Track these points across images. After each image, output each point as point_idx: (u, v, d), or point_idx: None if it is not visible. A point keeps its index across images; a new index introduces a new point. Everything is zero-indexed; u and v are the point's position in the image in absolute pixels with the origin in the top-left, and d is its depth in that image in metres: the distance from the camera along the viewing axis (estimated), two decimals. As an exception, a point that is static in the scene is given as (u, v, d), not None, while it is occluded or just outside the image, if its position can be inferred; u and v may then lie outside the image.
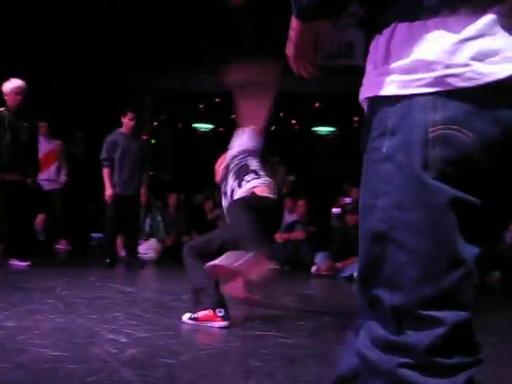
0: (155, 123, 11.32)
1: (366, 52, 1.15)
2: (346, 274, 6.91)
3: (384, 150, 1.02)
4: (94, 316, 3.54)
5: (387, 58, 1.05)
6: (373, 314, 1.05)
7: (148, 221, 7.68)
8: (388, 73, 1.03)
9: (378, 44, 1.08)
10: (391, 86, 1.02)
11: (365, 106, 1.14)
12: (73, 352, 2.70)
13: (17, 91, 5.84)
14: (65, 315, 3.52)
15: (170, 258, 7.50)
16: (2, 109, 5.87)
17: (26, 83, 5.91)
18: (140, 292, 4.75)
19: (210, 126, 12.05)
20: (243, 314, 3.96)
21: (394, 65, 1.03)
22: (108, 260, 6.48)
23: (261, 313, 4.13)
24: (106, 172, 6.52)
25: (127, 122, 6.65)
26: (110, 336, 3.04)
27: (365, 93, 1.11)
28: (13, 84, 5.84)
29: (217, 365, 2.64)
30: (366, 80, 1.12)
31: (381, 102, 1.04)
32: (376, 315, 1.04)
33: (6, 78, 5.97)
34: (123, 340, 2.98)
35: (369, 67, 1.11)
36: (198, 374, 2.49)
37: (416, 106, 0.99)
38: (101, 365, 2.50)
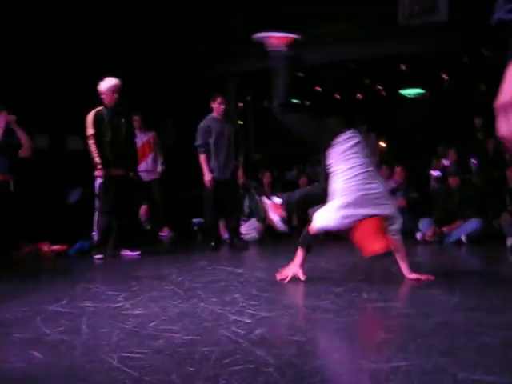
0: (241, 104, 11.37)
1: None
2: (453, 238, 6.71)
3: None
4: (214, 299, 3.62)
5: None
6: None
7: (246, 201, 7.76)
8: None
9: None
10: None
11: None
12: (203, 335, 2.77)
13: (113, 89, 6.04)
14: (186, 300, 3.63)
15: (271, 237, 7.58)
16: (100, 108, 6.09)
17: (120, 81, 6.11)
18: (251, 272, 4.82)
19: (296, 101, 11.96)
20: (358, 286, 3.93)
21: None
22: (213, 243, 6.64)
23: (375, 284, 4.09)
24: (203, 158, 6.66)
25: (217, 106, 6.74)
26: (235, 317, 3.10)
27: None
28: (109, 83, 6.04)
29: (346, 339, 2.63)
30: None
31: None
32: None
33: (93, 75, 6.18)
34: (248, 321, 3.03)
35: None
36: (330, 350, 2.50)
37: None
38: (233, 346, 2.56)
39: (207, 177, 6.62)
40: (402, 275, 4.36)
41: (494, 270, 4.79)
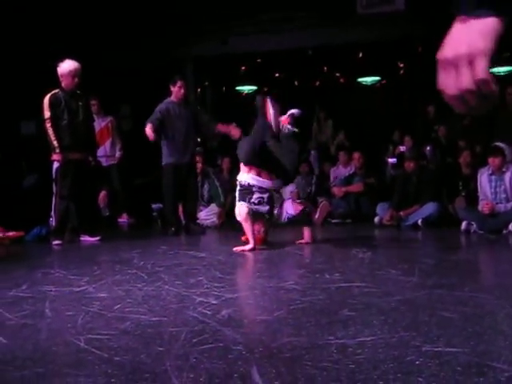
0: (199, 90, 11.31)
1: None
2: (410, 222, 6.87)
3: None
4: (179, 282, 3.62)
5: None
6: None
7: (206, 187, 7.75)
8: None
9: None
10: None
11: None
12: (171, 316, 2.78)
13: (73, 74, 5.91)
14: (150, 283, 3.62)
15: (230, 221, 7.59)
16: (56, 90, 5.96)
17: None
18: (214, 256, 4.83)
19: (254, 88, 11.97)
20: (321, 267, 4.00)
21: None
22: (173, 229, 6.61)
23: (337, 265, 4.17)
24: (148, 126, 6.31)
25: (177, 90, 6.65)
26: (201, 299, 3.11)
27: None
28: (70, 66, 5.90)
29: (312, 317, 2.68)
30: None
31: None
32: None
33: (52, 57, 6.03)
34: (214, 302, 3.05)
35: None
36: (297, 327, 2.54)
37: None
38: (201, 326, 2.57)
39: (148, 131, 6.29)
40: (362, 257, 4.47)
41: (450, 252, 4.95)
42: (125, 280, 3.79)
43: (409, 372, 1.92)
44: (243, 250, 4.90)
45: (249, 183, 5.01)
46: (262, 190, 5.02)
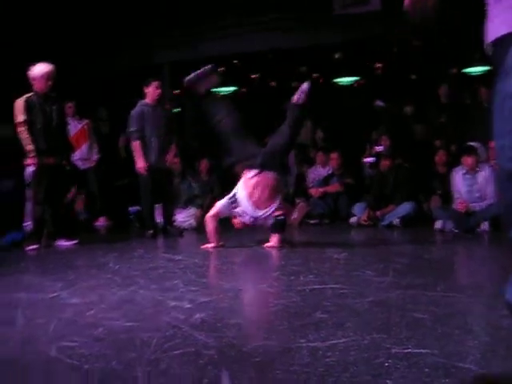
0: (177, 92, 11.27)
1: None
2: (386, 222, 6.92)
3: (506, 88, 1.01)
4: (154, 286, 3.61)
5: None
6: None
7: (184, 189, 7.72)
8: (503, 12, 1.01)
9: None
10: (506, 25, 1.00)
11: (490, 51, 1.10)
12: (144, 321, 2.77)
13: (47, 76, 5.84)
14: (125, 288, 3.59)
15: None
16: (30, 94, 5.89)
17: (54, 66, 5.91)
18: (190, 259, 4.80)
19: (232, 89, 11.97)
20: (296, 269, 4.01)
21: (507, 3, 1.00)
22: (151, 231, 6.57)
23: (312, 267, 4.18)
24: (136, 145, 6.54)
25: (152, 91, 6.62)
26: (175, 303, 3.10)
27: (487, 39, 1.08)
28: (42, 69, 5.83)
29: (285, 320, 2.69)
30: (487, 26, 1.09)
31: (501, 44, 1.03)
32: None
33: (25, 60, 5.96)
34: (188, 306, 3.04)
35: (490, 13, 1.08)
36: (269, 331, 2.54)
37: None
38: (174, 331, 2.57)
39: (140, 164, 6.50)
40: (338, 258, 4.50)
41: (425, 252, 4.99)
42: (99, 285, 3.76)
43: (378, 374, 1.94)
44: (207, 248, 5.26)
45: (239, 201, 5.15)
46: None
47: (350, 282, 3.54)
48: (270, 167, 5.14)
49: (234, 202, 5.18)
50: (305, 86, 5.34)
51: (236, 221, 5.43)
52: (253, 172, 5.14)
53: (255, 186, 5.12)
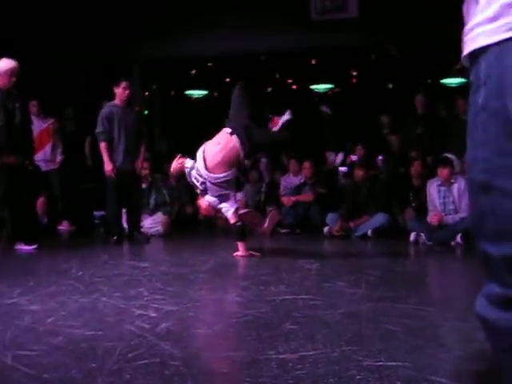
0: (146, 93, 11.22)
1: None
2: (360, 232, 6.96)
3: (479, 101, 1.03)
4: (118, 294, 3.57)
5: (476, 10, 1.05)
6: (487, 274, 1.05)
7: (153, 194, 7.66)
8: (478, 25, 1.04)
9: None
10: (480, 38, 1.03)
11: (466, 64, 1.13)
12: (106, 330, 2.73)
13: (10, 72, 5.74)
14: (87, 295, 3.55)
15: (176, 230, 7.55)
16: (-9, 90, 5.79)
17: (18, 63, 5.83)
18: (156, 266, 4.78)
19: (204, 92, 11.97)
20: (266, 279, 4.01)
21: (481, 16, 1.03)
22: (115, 237, 6.50)
23: (283, 277, 4.19)
24: (103, 146, 6.47)
25: (121, 92, 6.57)
26: (139, 312, 3.08)
27: (463, 51, 1.11)
28: (7, 65, 5.74)
29: (253, 331, 2.68)
30: (463, 38, 1.11)
31: (476, 57, 1.05)
32: (489, 273, 1.04)
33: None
34: (153, 315, 3.02)
35: (466, 26, 1.11)
36: (238, 341, 2.54)
37: (506, 51, 0.99)
38: (138, 340, 2.54)
39: (108, 167, 6.44)
40: (310, 268, 4.52)
41: (398, 264, 5.04)
42: (60, 291, 3.70)
43: (348, 387, 1.94)
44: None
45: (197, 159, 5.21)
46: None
47: (321, 293, 3.55)
48: (240, 136, 5.11)
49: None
50: (285, 117, 5.44)
51: (202, 204, 5.38)
52: (226, 129, 5.16)
53: (218, 142, 5.11)
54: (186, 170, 5.29)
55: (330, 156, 8.99)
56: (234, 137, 5.05)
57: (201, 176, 5.11)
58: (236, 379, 2.05)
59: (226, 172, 5.07)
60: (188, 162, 5.29)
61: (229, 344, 2.49)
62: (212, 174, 5.05)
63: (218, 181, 5.07)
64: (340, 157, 8.77)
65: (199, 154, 5.13)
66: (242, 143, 5.05)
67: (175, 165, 5.42)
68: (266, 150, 6.86)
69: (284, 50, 9.97)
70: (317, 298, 3.39)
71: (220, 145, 5.08)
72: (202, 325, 2.83)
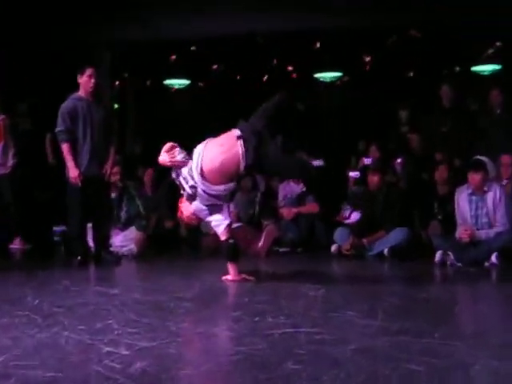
0: (117, 83, 11.25)
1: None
2: (375, 251, 6.99)
3: None
4: (82, 327, 3.57)
5: None
6: None
7: (124, 205, 7.66)
8: None
9: None
10: None
11: None
12: (68, 371, 2.73)
13: None
14: (46, 329, 3.54)
15: (153, 248, 7.56)
16: None
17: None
18: (128, 293, 4.78)
19: (186, 82, 12.01)
20: (262, 308, 4.02)
21: None
22: (79, 258, 6.50)
23: (283, 306, 4.19)
24: (65, 148, 6.47)
25: (86, 80, 6.58)
26: (108, 349, 3.07)
27: None
28: None
29: (247, 372, 2.68)
30: None
31: None
32: None
33: None
34: (125, 352, 3.01)
35: None
36: (228, 385, 2.54)
37: None
38: (107, 383, 2.54)
39: (72, 172, 6.43)
40: (315, 295, 4.52)
41: (421, 290, 5.05)
42: (13, 324, 3.70)
43: None
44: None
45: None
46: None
47: (328, 326, 3.56)
48: (246, 142, 4.98)
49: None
50: (317, 163, 5.56)
51: (185, 210, 5.38)
52: (234, 131, 5.07)
53: (221, 144, 5.03)
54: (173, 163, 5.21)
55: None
56: (240, 142, 4.96)
57: (192, 178, 5.07)
58: (226, 431, 2.06)
59: (223, 185, 5.06)
60: (179, 154, 5.20)
61: (217, 388, 2.50)
62: (206, 183, 5.03)
63: (213, 193, 5.07)
64: (354, 175, 8.68)
65: (199, 148, 5.07)
66: (246, 150, 4.92)
67: (164, 157, 5.23)
68: (274, 175, 6.84)
69: (283, 31, 10.00)
70: (323, 331, 3.40)
71: (223, 147, 5.00)
72: (184, 365, 2.82)
